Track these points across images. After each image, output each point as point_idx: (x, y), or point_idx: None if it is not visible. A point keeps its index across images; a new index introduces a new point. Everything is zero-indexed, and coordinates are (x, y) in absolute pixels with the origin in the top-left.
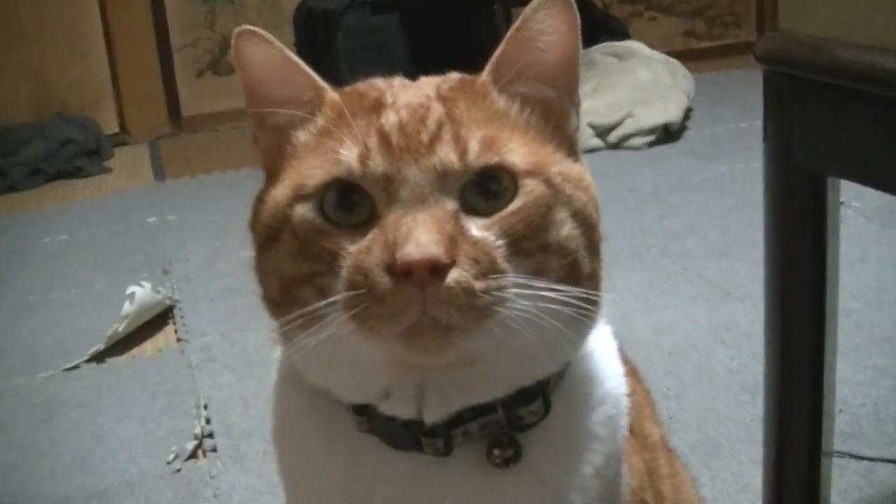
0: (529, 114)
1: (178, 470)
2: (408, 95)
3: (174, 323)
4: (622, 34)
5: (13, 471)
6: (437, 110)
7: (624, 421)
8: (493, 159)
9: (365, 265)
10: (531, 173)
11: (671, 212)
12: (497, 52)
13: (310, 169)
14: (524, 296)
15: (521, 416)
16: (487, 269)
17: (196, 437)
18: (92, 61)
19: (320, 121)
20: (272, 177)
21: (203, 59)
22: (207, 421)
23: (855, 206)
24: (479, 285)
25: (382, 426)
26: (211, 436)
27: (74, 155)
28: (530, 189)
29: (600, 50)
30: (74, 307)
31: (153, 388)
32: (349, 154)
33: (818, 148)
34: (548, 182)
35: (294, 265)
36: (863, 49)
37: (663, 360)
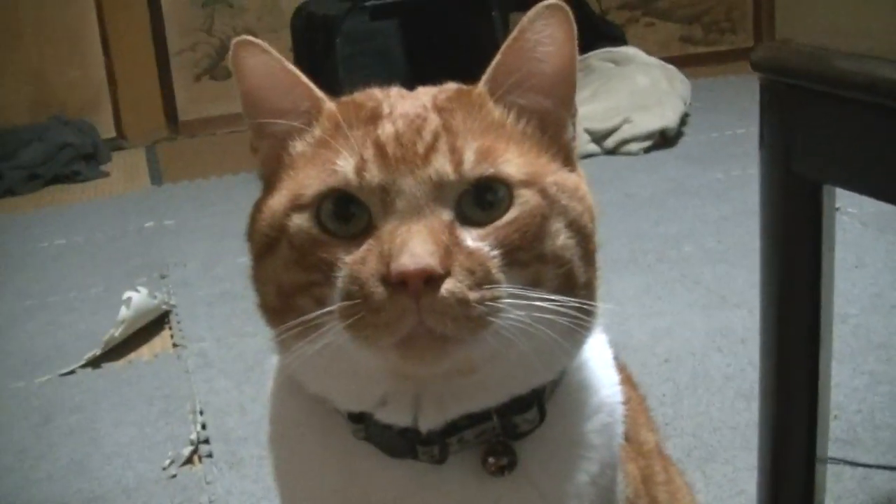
0: (526, 124)
1: (174, 475)
2: (404, 106)
3: (171, 328)
4: (619, 40)
5: (10, 475)
6: (434, 121)
7: (619, 429)
8: (489, 170)
9: (361, 275)
10: (527, 184)
11: (668, 217)
12: (494, 63)
13: (307, 179)
14: (519, 306)
15: (517, 424)
16: (482, 279)
17: (192, 443)
18: (89, 65)
19: (317, 131)
20: (269, 186)
21: (201, 64)
22: (203, 426)
23: (851, 212)
24: (473, 296)
25: (379, 434)
26: (207, 441)
27: (72, 159)
28: (526, 199)
29: (598, 56)
30: (71, 311)
31: (149, 393)
32: (346, 165)
33: (815, 156)
34: (543, 192)
35: (291, 274)
36: (860, 58)
37: (659, 366)
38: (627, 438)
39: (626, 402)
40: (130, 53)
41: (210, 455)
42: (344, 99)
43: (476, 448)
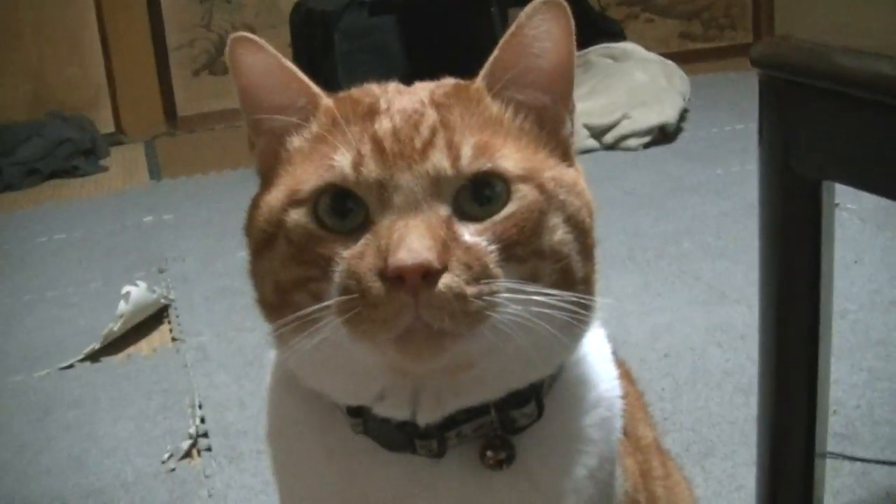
0: (523, 119)
1: (173, 469)
2: (402, 101)
3: (169, 322)
4: (619, 36)
5: (8, 469)
6: (431, 116)
7: (618, 423)
8: (486, 165)
9: (358, 270)
10: (524, 179)
11: (667, 214)
12: (491, 58)
13: (304, 174)
14: (517, 301)
15: (515, 418)
16: (480, 274)
17: (191, 437)
18: (88, 61)
19: (315, 127)
20: (267, 182)
21: (199, 59)
22: (202, 420)
23: (850, 208)
24: (470, 290)
25: (377, 428)
26: (206, 435)
27: (71, 154)
28: (523, 194)
29: (597, 51)
30: (70, 306)
31: (148, 387)
32: (343, 160)
33: (814, 153)
34: (541, 187)
35: (288, 270)
36: (859, 55)
37: (659, 362)
38: (625, 433)
39: (625, 398)
40: (129, 49)
41: (209, 449)
42: (341, 95)
43: (474, 442)
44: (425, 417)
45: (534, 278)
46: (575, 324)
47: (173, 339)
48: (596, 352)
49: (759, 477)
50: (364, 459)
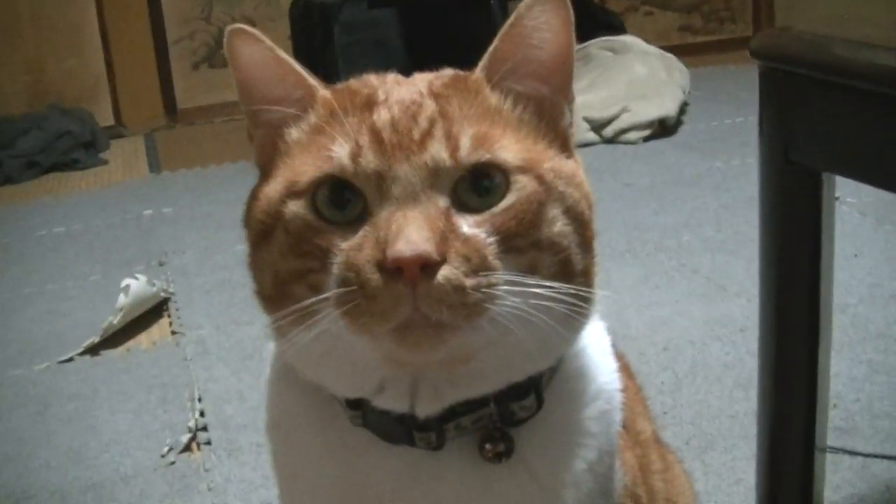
0: (522, 110)
1: (173, 463)
2: (400, 92)
3: (169, 316)
4: (618, 29)
5: (8, 462)
6: (430, 107)
7: (617, 416)
8: (485, 156)
9: (356, 262)
10: (523, 170)
11: (667, 207)
12: (491, 49)
13: (302, 166)
14: (516, 293)
15: (514, 411)
16: (478, 266)
17: (190, 430)
18: (88, 54)
19: (313, 118)
20: (265, 173)
21: (199, 52)
22: (202, 414)
23: (850, 201)
24: (469, 282)
25: (376, 420)
26: (205, 429)
27: (70, 147)
28: (522, 186)
29: (597, 44)
30: (70, 299)
31: (148, 380)
32: (341, 151)
33: (814, 144)
34: (540, 179)
35: (287, 261)
36: (859, 45)
37: (658, 356)
38: (625, 427)
39: (624, 391)
40: (129, 42)
41: (209, 442)
42: (339, 86)
43: (473, 435)
44: (424, 410)
45: (533, 270)
46: (574, 316)
47: (173, 333)
48: (595, 344)
49: (759, 471)
50: (363, 452)
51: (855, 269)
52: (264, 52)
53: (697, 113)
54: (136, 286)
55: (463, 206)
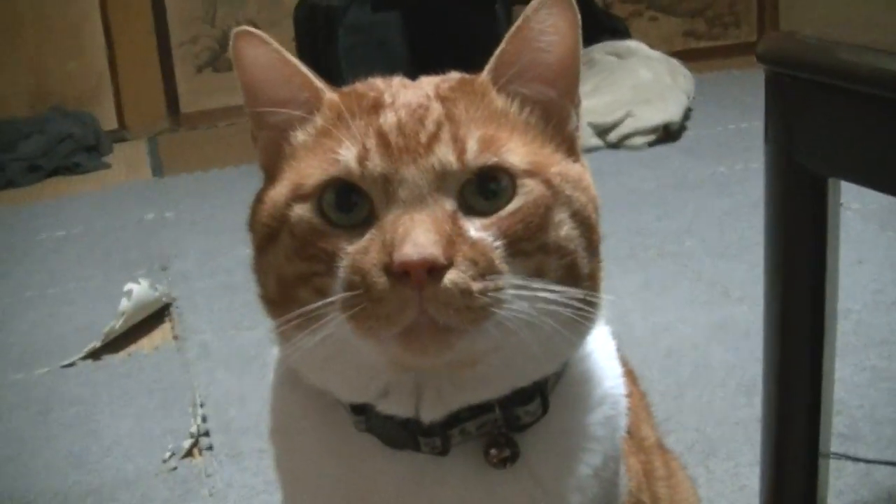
0: (529, 113)
1: (174, 468)
2: (407, 95)
3: (171, 320)
4: (623, 33)
5: (8, 466)
6: (436, 110)
7: (623, 422)
8: (492, 159)
9: (363, 266)
10: (530, 173)
11: (670, 212)
12: (497, 52)
13: (308, 169)
14: (522, 297)
15: (519, 416)
16: (485, 269)
17: (192, 435)
18: (91, 56)
19: (319, 121)
20: (271, 177)
21: (202, 56)
22: (204, 419)
23: (854, 207)
24: (476, 286)
25: (380, 425)
26: (207, 434)
27: (73, 150)
28: (529, 189)
29: (601, 49)
30: (72, 303)
31: (149, 385)
32: (347, 154)
33: (820, 149)
34: (547, 182)
35: (292, 265)
36: (865, 50)
37: (661, 361)
38: (629, 433)
39: (628, 397)
40: (132, 45)
41: (210, 448)
42: (346, 88)
43: (478, 440)
44: (429, 414)
45: (539, 274)
46: (580, 320)
47: (175, 337)
48: (600, 349)
49: (763, 477)
50: (367, 457)
51: (858, 275)
52: (270, 53)
53: (701, 118)
54: (138, 290)
55: (470, 210)
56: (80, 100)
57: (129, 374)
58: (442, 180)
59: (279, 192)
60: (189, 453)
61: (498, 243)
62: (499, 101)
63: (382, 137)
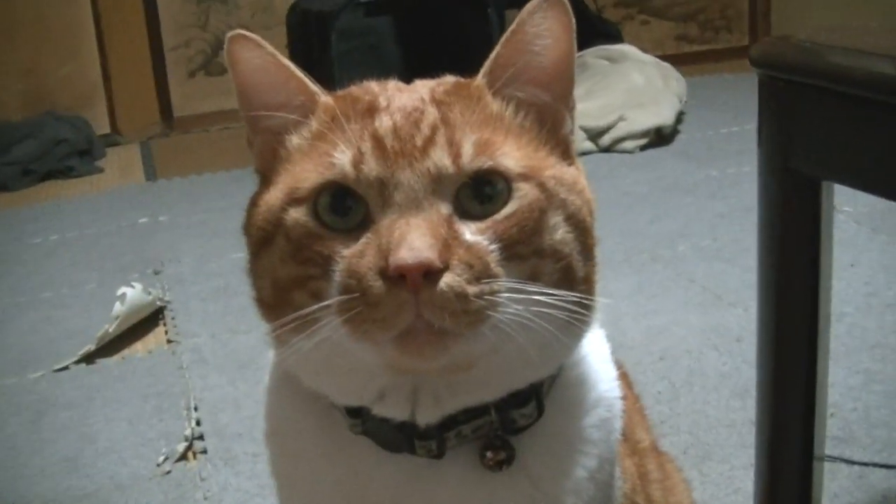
0: (524, 117)
1: (169, 472)
2: (402, 99)
3: (165, 324)
4: (615, 37)
5: (2, 470)
6: (432, 114)
7: (618, 424)
8: (487, 163)
9: (358, 269)
10: (525, 177)
11: (663, 215)
12: (492, 55)
13: (303, 173)
14: (518, 300)
15: (515, 419)
16: (481, 273)
17: (186, 439)
18: (84, 61)
19: (314, 125)
20: (266, 180)
21: (195, 60)
22: (198, 422)
23: (846, 210)
24: (472, 290)
25: (376, 428)
26: (201, 437)
27: (66, 154)
28: (524, 193)
29: (593, 53)
30: (65, 307)
31: (143, 389)
32: (343, 158)
33: (813, 152)
34: (541, 186)
35: (287, 269)
36: (858, 54)
37: (655, 365)
38: (623, 436)
39: (623, 400)
40: (125, 49)
41: (205, 451)
42: (341, 92)
43: (474, 443)
44: (425, 418)
45: (534, 278)
46: (575, 324)
47: (169, 341)
48: (596, 352)
49: (757, 480)
50: (363, 460)
51: (851, 279)
52: (265, 57)
53: (694, 122)
54: (132, 294)
55: (465, 214)
56: (74, 104)
57: (123, 377)
58: (437, 184)
59: (274, 195)
60: (183, 457)
61: (493, 247)
62: (494, 104)
63: (378, 141)
